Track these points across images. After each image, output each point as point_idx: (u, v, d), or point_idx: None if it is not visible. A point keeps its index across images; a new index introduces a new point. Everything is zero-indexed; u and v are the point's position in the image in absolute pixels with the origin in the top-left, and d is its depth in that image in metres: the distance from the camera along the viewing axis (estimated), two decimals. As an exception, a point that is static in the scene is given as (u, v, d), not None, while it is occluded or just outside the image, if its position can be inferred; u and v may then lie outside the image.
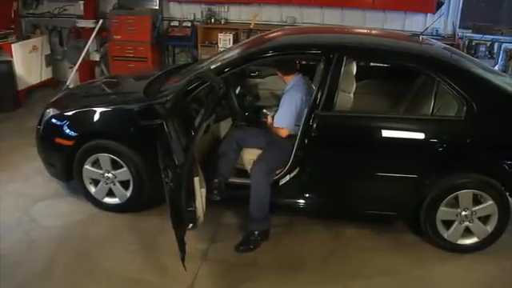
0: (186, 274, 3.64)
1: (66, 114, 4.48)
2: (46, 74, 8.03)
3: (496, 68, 6.60)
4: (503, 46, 7.17)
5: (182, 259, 3.38)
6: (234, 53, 4.50)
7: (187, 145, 3.49)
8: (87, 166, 4.34)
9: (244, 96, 4.79)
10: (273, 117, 4.17)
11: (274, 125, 4.14)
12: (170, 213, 3.44)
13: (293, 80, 4.20)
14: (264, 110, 4.33)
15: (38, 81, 7.85)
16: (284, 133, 4.09)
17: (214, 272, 3.79)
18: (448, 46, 4.91)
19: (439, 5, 7.21)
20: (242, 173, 4.29)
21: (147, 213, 4.47)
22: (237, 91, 4.73)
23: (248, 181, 4.08)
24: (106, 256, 3.91)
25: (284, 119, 4.10)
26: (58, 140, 4.38)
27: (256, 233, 4.05)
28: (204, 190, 3.73)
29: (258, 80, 5.23)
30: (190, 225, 3.57)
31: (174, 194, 3.40)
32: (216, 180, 4.11)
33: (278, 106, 4.20)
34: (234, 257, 3.96)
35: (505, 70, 6.94)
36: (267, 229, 4.12)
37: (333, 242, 4.19)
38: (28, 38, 7.81)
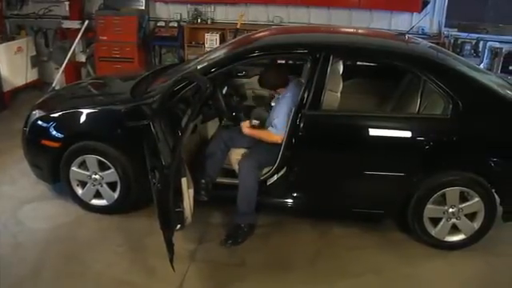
0: (175, 275, 3.63)
1: (52, 115, 4.44)
2: (31, 75, 7.96)
3: (481, 66, 6.64)
4: (488, 44, 7.21)
5: (171, 260, 3.37)
6: (221, 53, 4.49)
7: (174, 145, 3.48)
8: (74, 168, 4.31)
9: (231, 96, 4.79)
10: (253, 126, 4.15)
11: (275, 132, 4.04)
12: (158, 214, 3.43)
13: (290, 86, 4.20)
14: (254, 121, 4.19)
15: (24, 82, 7.77)
16: (280, 139, 4.02)
17: (203, 272, 3.78)
18: (434, 45, 4.94)
19: (425, 4, 7.25)
20: (230, 173, 4.29)
21: (135, 214, 4.45)
22: (224, 91, 4.73)
23: (235, 181, 4.08)
24: (94, 258, 3.88)
25: (283, 127, 4.01)
26: (44, 142, 4.35)
27: (243, 225, 4.09)
28: (192, 191, 3.72)
29: (244, 80, 5.22)
30: (178, 225, 3.56)
31: (162, 195, 3.39)
32: (203, 180, 4.12)
33: (267, 108, 4.21)
34: (223, 257, 3.96)
35: (490, 68, 6.99)
36: (254, 223, 4.17)
37: (321, 241, 4.20)
38: (13, 39, 7.73)
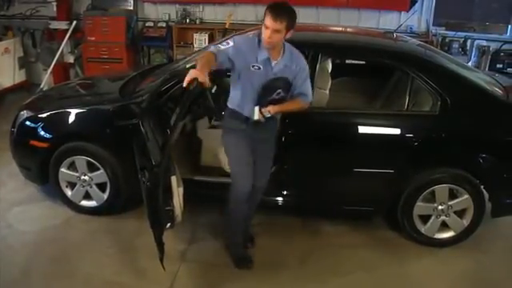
0: (165, 276, 3.62)
1: (40, 115, 4.41)
2: (19, 76, 7.90)
3: (469, 64, 6.68)
4: (476, 42, 7.28)
5: (161, 260, 3.37)
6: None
7: (164, 143, 3.47)
8: (63, 169, 4.29)
9: (220, 95, 4.77)
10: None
11: (308, 100, 3.55)
12: (148, 213, 3.42)
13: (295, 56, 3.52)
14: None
15: (11, 84, 7.71)
16: (308, 105, 3.63)
17: (194, 273, 3.77)
18: (422, 43, 4.96)
19: (413, 3, 7.29)
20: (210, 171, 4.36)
21: (125, 215, 4.43)
22: (213, 90, 4.71)
23: (219, 179, 4.16)
24: (84, 260, 3.86)
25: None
26: (32, 142, 4.32)
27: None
28: (181, 189, 3.71)
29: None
30: (168, 224, 3.55)
31: (152, 194, 3.38)
32: None
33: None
34: (213, 257, 3.95)
35: (478, 66, 7.04)
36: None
37: (311, 240, 4.21)
38: (0, 40, 7.67)
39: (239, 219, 3.75)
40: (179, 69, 4.33)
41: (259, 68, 3.34)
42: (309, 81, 3.54)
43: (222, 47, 3.35)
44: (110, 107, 4.25)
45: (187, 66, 4.22)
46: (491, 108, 4.03)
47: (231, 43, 3.36)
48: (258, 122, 3.42)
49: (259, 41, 3.32)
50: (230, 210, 3.70)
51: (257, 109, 3.37)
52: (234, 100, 3.55)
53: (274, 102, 3.39)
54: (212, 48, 3.43)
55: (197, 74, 3.07)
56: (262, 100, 3.36)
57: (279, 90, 3.37)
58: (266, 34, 3.21)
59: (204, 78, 3.08)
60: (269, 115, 3.39)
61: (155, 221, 3.39)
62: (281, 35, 3.22)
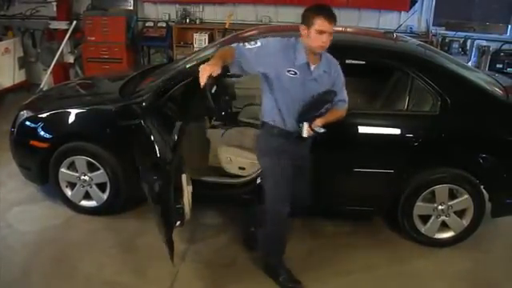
0: (165, 276, 3.64)
1: (40, 115, 4.41)
2: (19, 76, 7.90)
3: (469, 64, 6.69)
4: (476, 42, 7.29)
5: (171, 257, 3.36)
6: (209, 52, 4.48)
7: (176, 142, 3.47)
8: (63, 169, 4.29)
9: (220, 95, 4.77)
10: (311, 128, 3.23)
11: (346, 105, 3.43)
12: (158, 211, 3.41)
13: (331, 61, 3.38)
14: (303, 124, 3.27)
15: (11, 84, 7.71)
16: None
17: (194, 273, 3.77)
18: (422, 43, 4.96)
19: (413, 3, 7.29)
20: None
21: (125, 215, 4.43)
22: (213, 91, 4.71)
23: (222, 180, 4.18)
24: (84, 260, 3.86)
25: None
26: (32, 142, 4.32)
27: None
28: (190, 187, 3.73)
29: (234, 79, 5.22)
30: (178, 222, 3.55)
31: (163, 192, 3.38)
32: None
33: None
34: (214, 257, 3.95)
35: (478, 66, 7.05)
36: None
37: (312, 240, 4.21)
38: (0, 40, 7.67)
39: (281, 240, 3.63)
40: (179, 69, 4.32)
41: (295, 73, 3.15)
42: (344, 86, 3.42)
43: (247, 46, 3.20)
44: (113, 107, 4.24)
45: (187, 65, 4.23)
46: (491, 108, 4.03)
47: (259, 43, 3.19)
48: (301, 138, 3.26)
49: (297, 44, 3.17)
50: (269, 232, 3.56)
51: (306, 125, 3.18)
52: (270, 113, 3.33)
53: (319, 116, 3.23)
54: (235, 44, 3.27)
55: (209, 69, 2.94)
56: (309, 115, 3.19)
57: (329, 104, 3.26)
58: (321, 38, 3.04)
59: (218, 71, 2.98)
60: (322, 131, 3.20)
61: (166, 219, 3.38)
62: (331, 38, 3.10)
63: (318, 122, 3.19)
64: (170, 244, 3.36)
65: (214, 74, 2.96)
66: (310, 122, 3.18)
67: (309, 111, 3.19)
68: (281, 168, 3.37)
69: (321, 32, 3.03)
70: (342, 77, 3.37)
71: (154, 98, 3.90)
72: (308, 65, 3.18)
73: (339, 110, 3.40)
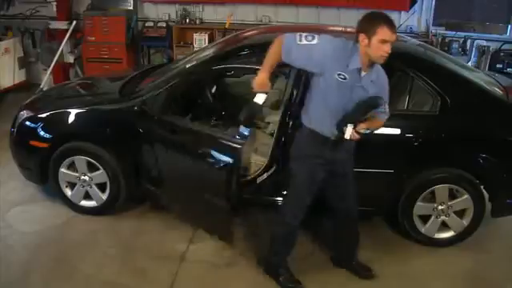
0: (165, 276, 3.64)
1: (40, 115, 4.41)
2: (19, 76, 7.90)
3: (469, 64, 6.69)
4: (476, 42, 7.29)
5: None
6: (210, 52, 4.48)
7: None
8: (63, 170, 4.28)
9: (220, 95, 4.78)
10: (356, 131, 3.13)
11: (387, 116, 3.30)
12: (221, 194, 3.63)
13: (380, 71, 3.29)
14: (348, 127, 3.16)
15: (11, 84, 7.71)
16: None
17: (194, 273, 3.77)
18: (422, 43, 4.96)
19: (413, 2, 7.30)
20: None
21: (125, 215, 4.43)
22: (213, 90, 4.72)
23: None
24: (84, 260, 3.86)
25: None
26: (32, 142, 4.32)
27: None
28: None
29: (233, 79, 5.21)
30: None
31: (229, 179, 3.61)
32: None
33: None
34: (214, 257, 3.95)
35: (477, 66, 7.05)
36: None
37: (312, 240, 4.20)
38: (0, 40, 7.67)
39: (286, 244, 3.62)
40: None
41: (345, 78, 3.04)
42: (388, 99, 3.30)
43: (303, 41, 3.05)
44: (136, 106, 4.17)
45: (187, 65, 4.22)
46: (491, 108, 4.02)
47: (316, 40, 3.05)
48: (336, 143, 3.20)
49: (354, 48, 3.06)
50: (275, 234, 3.62)
51: (350, 128, 3.07)
52: (313, 117, 3.25)
53: (362, 121, 3.11)
54: (287, 37, 3.10)
55: (261, 84, 3.09)
56: (355, 118, 3.08)
57: (373, 111, 3.14)
58: (383, 48, 2.95)
59: (267, 87, 3.11)
60: (368, 131, 3.15)
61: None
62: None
63: (363, 125, 3.10)
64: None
65: (267, 89, 3.09)
66: (355, 125, 3.08)
67: (354, 114, 3.08)
68: (308, 175, 3.32)
69: (384, 42, 2.94)
70: (388, 90, 3.27)
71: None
72: (359, 71, 3.08)
73: (381, 120, 3.28)
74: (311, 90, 3.23)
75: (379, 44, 2.94)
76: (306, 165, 3.32)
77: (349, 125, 3.08)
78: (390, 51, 2.97)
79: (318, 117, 3.22)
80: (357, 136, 3.11)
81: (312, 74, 3.18)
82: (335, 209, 3.60)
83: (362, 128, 3.10)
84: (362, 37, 2.99)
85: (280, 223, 3.55)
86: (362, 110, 3.08)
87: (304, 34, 3.07)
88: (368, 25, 2.99)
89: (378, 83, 3.17)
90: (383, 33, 2.93)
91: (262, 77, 3.13)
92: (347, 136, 3.09)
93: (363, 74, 3.09)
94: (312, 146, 3.27)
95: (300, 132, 3.37)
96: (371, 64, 3.08)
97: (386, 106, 3.24)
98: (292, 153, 3.43)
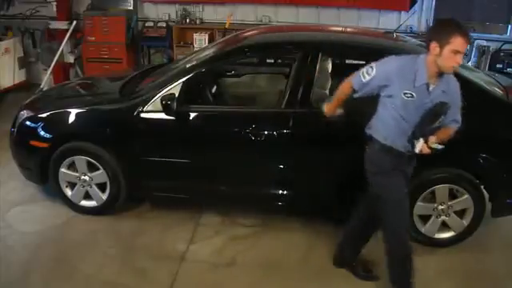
0: (165, 276, 3.64)
1: (40, 115, 4.41)
2: (19, 76, 7.90)
3: (469, 64, 6.68)
4: (476, 42, 7.28)
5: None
6: (210, 52, 4.48)
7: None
8: (63, 170, 4.28)
9: (220, 95, 4.78)
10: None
11: (458, 125, 3.22)
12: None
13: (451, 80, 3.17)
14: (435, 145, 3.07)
15: (11, 84, 7.71)
16: None
17: (194, 273, 3.77)
18: (422, 43, 4.94)
19: (413, 2, 7.29)
20: None
21: (125, 215, 4.44)
22: (213, 90, 4.72)
23: None
24: (84, 260, 3.86)
25: None
26: (32, 142, 4.32)
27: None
28: None
29: (234, 79, 5.22)
30: None
31: None
32: None
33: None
34: (213, 257, 3.95)
35: (477, 66, 7.04)
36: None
37: (312, 240, 4.20)
38: (0, 40, 7.67)
39: (408, 262, 3.37)
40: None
41: (412, 96, 2.99)
42: (460, 107, 3.20)
43: (364, 79, 3.12)
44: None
45: (187, 65, 4.22)
46: (491, 108, 4.02)
47: (373, 73, 3.09)
48: (411, 157, 3.18)
49: (417, 63, 3.00)
50: (394, 258, 3.40)
51: (422, 141, 3.01)
52: (381, 131, 3.19)
53: (433, 132, 3.02)
54: (353, 81, 3.21)
55: (330, 111, 3.41)
56: (423, 131, 3.01)
57: (442, 117, 3.00)
58: (455, 59, 2.86)
59: (333, 113, 3.43)
60: (440, 147, 3.02)
61: None
62: None
63: (433, 139, 3.00)
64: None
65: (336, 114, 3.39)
66: (426, 138, 3.00)
67: (422, 125, 3.01)
68: (397, 186, 3.23)
69: (456, 52, 2.84)
70: (460, 98, 3.16)
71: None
72: (427, 86, 3.00)
73: (452, 130, 3.19)
74: (381, 107, 3.19)
75: (451, 54, 2.85)
76: (390, 176, 3.21)
77: (421, 139, 3.01)
78: (461, 62, 2.90)
79: (389, 134, 3.15)
80: (427, 150, 3.02)
81: (379, 95, 3.16)
82: (368, 212, 3.53)
83: (433, 142, 2.99)
84: (433, 45, 2.90)
85: (394, 242, 3.36)
86: (428, 120, 2.99)
87: (365, 70, 3.15)
88: (441, 33, 2.89)
89: (449, 92, 3.06)
90: (457, 43, 2.82)
91: (330, 107, 3.44)
92: (417, 150, 3.04)
93: (431, 87, 3.00)
94: (390, 159, 3.19)
95: (375, 146, 3.24)
96: (440, 74, 2.98)
97: (458, 115, 3.16)
98: (370, 166, 3.30)
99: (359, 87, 3.18)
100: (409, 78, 2.99)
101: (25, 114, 4.48)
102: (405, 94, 2.99)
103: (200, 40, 7.68)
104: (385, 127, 3.17)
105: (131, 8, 8.04)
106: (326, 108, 3.46)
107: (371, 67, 3.11)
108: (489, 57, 7.12)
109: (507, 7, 7.38)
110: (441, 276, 3.84)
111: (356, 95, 3.23)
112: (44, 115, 4.41)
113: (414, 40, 5.07)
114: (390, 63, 3.12)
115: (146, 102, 4.05)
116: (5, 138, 4.71)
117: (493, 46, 7.22)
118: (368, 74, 3.12)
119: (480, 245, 4.16)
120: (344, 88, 3.29)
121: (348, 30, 5.29)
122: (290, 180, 4.15)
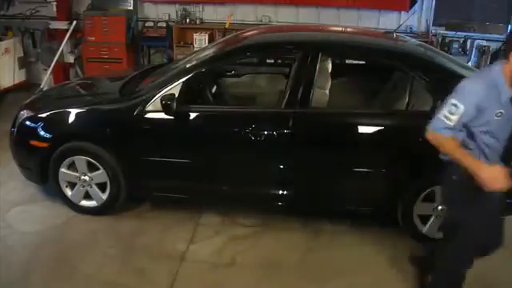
0: (165, 276, 3.64)
1: (40, 115, 4.40)
2: (19, 76, 7.90)
3: (469, 64, 6.69)
4: (476, 42, 7.28)
5: None
6: (210, 51, 4.48)
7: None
8: (63, 169, 4.28)
9: (220, 95, 4.78)
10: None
11: None
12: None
13: None
14: None
15: (11, 84, 7.71)
16: None
17: (193, 273, 3.77)
18: (422, 43, 4.96)
19: (413, 2, 7.30)
20: None
21: (125, 215, 4.43)
22: (213, 90, 4.73)
23: None
24: (84, 260, 3.86)
25: None
26: (32, 142, 4.31)
27: None
28: None
29: (234, 79, 5.22)
30: None
31: None
32: None
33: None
34: (213, 257, 3.95)
35: (478, 66, 7.04)
36: None
37: (312, 240, 4.20)
38: (0, 40, 7.67)
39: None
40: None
41: (501, 114, 2.76)
42: None
43: (454, 117, 2.76)
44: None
45: (187, 65, 4.22)
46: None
47: (461, 107, 2.74)
48: None
49: (497, 77, 2.77)
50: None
51: None
52: (475, 154, 2.89)
53: None
54: (446, 133, 2.83)
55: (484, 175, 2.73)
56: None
57: None
58: None
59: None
60: None
61: None
62: None
63: None
64: None
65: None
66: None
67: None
68: (488, 215, 3.00)
69: None
70: None
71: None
72: (511, 98, 2.79)
73: None
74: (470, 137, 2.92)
75: None
76: (480, 204, 2.93)
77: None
78: None
79: (480, 156, 2.90)
80: None
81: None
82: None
83: None
84: None
85: (447, 277, 3.28)
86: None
87: (446, 112, 2.81)
88: None
89: None
90: None
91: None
92: None
93: None
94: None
95: (453, 169, 2.97)
96: None
97: None
98: (455, 194, 3.10)
99: (452, 131, 2.82)
100: (496, 97, 2.76)
101: (25, 113, 4.48)
102: (496, 114, 2.76)
103: (200, 40, 7.69)
104: (474, 151, 2.90)
105: (131, 8, 8.04)
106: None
107: (454, 105, 2.76)
108: (489, 57, 7.12)
109: (507, 7, 7.39)
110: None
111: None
112: (44, 115, 4.40)
113: (413, 40, 5.08)
114: (474, 91, 2.78)
115: (146, 102, 4.05)
116: (5, 137, 4.71)
117: (493, 46, 7.22)
118: (454, 113, 2.77)
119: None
120: (452, 144, 2.85)
121: (348, 30, 5.30)
122: (289, 180, 4.14)
